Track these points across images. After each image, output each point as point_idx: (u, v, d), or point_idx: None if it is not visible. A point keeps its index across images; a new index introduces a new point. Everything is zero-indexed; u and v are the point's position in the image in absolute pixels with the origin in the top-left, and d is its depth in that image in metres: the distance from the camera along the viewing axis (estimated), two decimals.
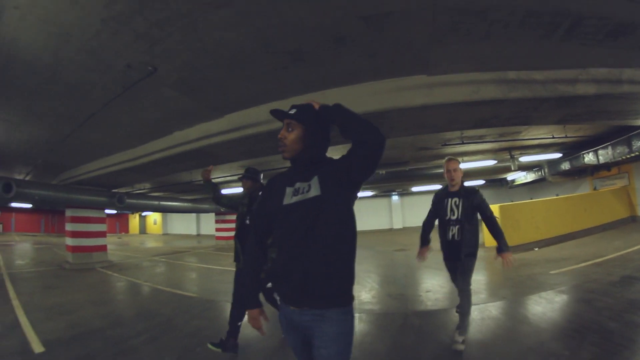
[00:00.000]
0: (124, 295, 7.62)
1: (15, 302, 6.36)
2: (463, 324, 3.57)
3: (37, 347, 4.19)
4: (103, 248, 12.56)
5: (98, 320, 5.36)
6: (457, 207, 3.57)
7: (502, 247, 3.42)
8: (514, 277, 6.38)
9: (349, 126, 1.62)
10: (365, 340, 3.94)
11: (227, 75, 4.29)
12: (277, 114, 1.76)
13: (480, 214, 3.60)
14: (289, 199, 1.72)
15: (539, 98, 4.76)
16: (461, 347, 3.43)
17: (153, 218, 35.37)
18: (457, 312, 3.80)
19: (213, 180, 3.98)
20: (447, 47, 3.91)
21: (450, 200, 3.64)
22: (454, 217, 3.58)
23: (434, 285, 6.36)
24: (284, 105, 1.94)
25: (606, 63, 4.71)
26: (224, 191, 8.36)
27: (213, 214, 20.00)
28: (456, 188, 3.64)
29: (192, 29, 3.32)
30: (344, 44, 3.66)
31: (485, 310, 4.61)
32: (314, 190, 1.65)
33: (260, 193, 2.86)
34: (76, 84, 4.59)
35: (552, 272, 6.54)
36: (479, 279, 6.31)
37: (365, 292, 6.08)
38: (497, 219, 3.64)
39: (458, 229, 3.54)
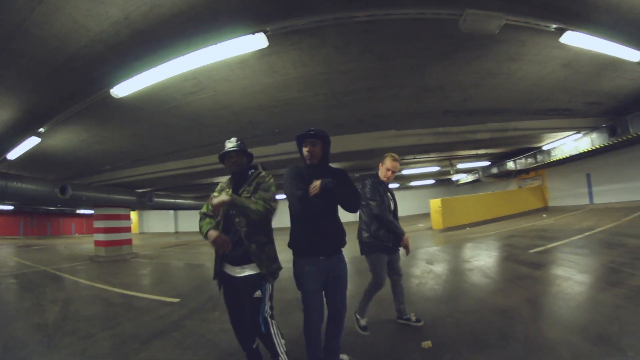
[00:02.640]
0: (182, 271, 10.08)
1: (100, 286, 7.84)
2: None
3: (173, 300, 6.06)
4: (129, 242, 15.07)
5: (185, 284, 7.88)
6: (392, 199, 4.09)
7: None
8: (447, 240, 11.44)
9: (343, 197, 2.86)
10: None
11: (300, 129, 8.63)
12: (304, 136, 2.91)
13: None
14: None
15: (453, 142, 9.73)
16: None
17: None
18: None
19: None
20: (404, 123, 8.70)
21: (388, 193, 4.06)
22: (392, 209, 4.02)
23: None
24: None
25: (498, 120, 9.38)
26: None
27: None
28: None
29: (298, 115, 7.49)
30: (364, 122, 8.30)
31: (428, 251, 9.24)
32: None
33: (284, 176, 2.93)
34: (205, 125, 7.81)
35: (469, 236, 11.57)
36: (424, 244, 11.18)
37: None
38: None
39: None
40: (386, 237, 3.84)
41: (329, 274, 2.85)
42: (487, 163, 18.97)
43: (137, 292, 7.01)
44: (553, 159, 14.21)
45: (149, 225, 35.22)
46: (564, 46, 4.94)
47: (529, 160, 15.90)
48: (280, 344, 2.81)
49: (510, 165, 17.42)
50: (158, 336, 4.28)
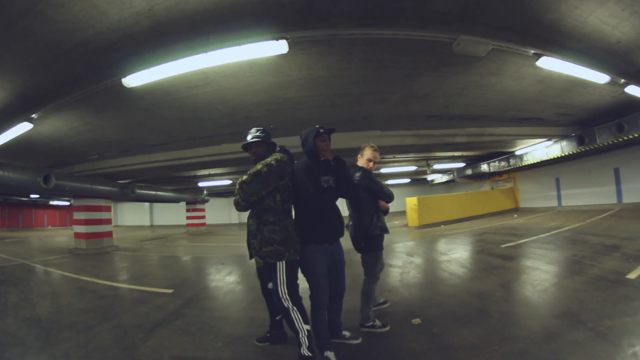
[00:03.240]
0: (167, 264, 10.03)
1: (86, 278, 7.68)
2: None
3: (166, 290, 6.13)
4: (110, 234, 14.88)
5: (174, 275, 7.94)
6: None
7: None
8: (424, 236, 12.16)
9: (344, 182, 3.24)
10: None
11: (294, 126, 8.98)
12: (324, 132, 3.20)
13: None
14: (324, 184, 3.13)
15: (433, 143, 10.46)
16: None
17: None
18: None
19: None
20: (389, 125, 9.32)
21: None
22: None
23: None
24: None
25: (476, 125, 10.15)
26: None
27: (184, 203, 23.47)
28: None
29: (293, 113, 7.90)
30: (352, 122, 8.79)
31: (406, 245, 9.95)
32: (331, 183, 3.15)
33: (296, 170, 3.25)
34: (201, 118, 7.98)
35: (444, 233, 12.36)
36: (402, 239, 11.88)
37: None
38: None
39: None
40: (386, 226, 4.06)
41: (332, 259, 3.22)
42: (462, 164, 20.05)
43: (126, 284, 7.05)
44: (525, 163, 15.36)
45: (123, 218, 34.39)
46: (540, 67, 5.62)
47: (502, 163, 17.07)
48: (302, 329, 2.97)
49: (484, 167, 18.54)
50: (161, 325, 4.32)
